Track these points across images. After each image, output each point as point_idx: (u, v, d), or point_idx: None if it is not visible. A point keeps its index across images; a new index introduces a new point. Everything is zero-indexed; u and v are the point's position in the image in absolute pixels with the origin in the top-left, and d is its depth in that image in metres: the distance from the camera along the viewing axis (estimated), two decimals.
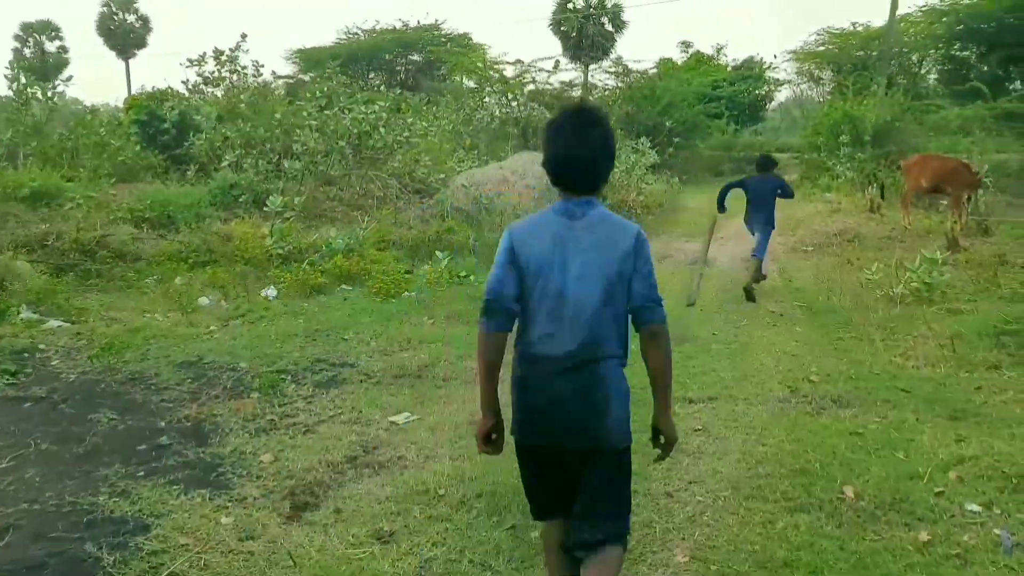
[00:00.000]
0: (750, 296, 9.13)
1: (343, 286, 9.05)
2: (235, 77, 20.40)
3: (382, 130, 13.16)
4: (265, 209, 10.77)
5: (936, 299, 8.62)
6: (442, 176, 13.85)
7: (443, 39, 47.03)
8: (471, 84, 26.02)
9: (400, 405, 5.37)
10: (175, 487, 4.09)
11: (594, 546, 2.48)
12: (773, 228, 9.65)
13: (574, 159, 2.51)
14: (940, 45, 37.53)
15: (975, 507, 3.98)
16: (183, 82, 20.82)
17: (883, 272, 9.81)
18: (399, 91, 45.08)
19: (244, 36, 20.86)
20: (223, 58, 20.00)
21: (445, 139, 21.51)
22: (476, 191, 14.70)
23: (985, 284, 9.25)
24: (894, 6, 27.73)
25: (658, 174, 21.56)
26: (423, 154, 15.72)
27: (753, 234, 9.72)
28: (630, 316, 2.49)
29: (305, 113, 13.74)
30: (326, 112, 13.73)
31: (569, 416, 2.45)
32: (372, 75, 52.81)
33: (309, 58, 47.64)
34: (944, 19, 36.59)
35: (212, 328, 7.36)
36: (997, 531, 3.74)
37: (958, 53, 37.87)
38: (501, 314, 2.52)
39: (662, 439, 2.60)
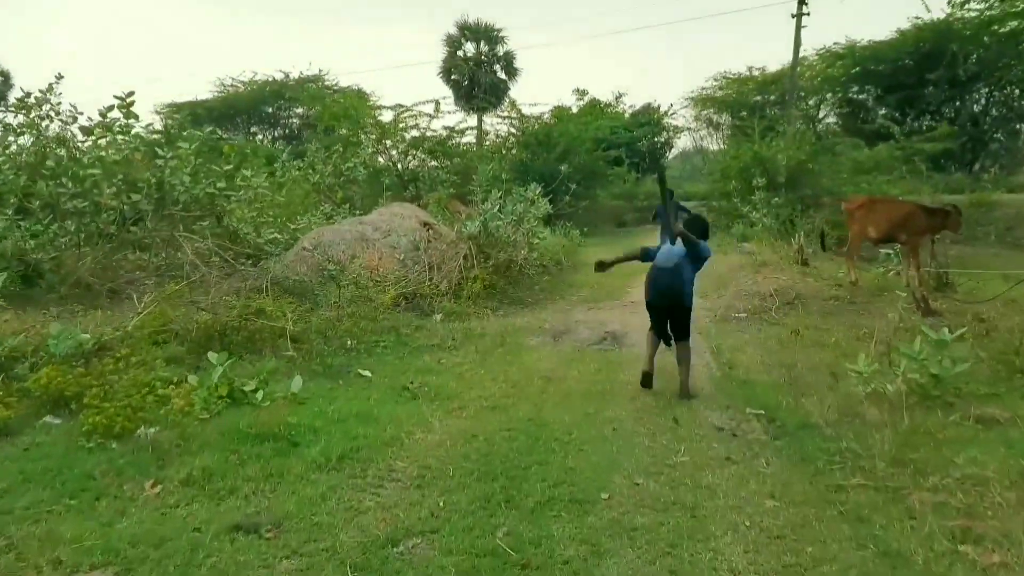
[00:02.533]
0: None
1: (50, 416, 5.67)
2: (46, 124, 16.67)
3: (186, 179, 9.84)
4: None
5: (949, 398, 5.92)
6: (274, 235, 10.62)
7: (330, 91, 43.88)
8: (344, 131, 22.87)
9: None
10: None
11: (678, 339, 6.79)
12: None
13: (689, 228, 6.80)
14: (837, 88, 36.85)
15: None
16: None
17: (848, 345, 7.14)
18: (284, 144, 41.75)
19: (59, 77, 17.12)
20: (30, 102, 16.27)
21: (307, 192, 18.43)
22: (322, 254, 11.53)
23: (1000, 368, 6.64)
24: (797, 44, 26.24)
25: (554, 226, 18.83)
26: (262, 210, 12.50)
27: None
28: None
29: (87, 159, 10.32)
30: (114, 156, 10.35)
31: (665, 287, 6.67)
32: (254, 129, 49.51)
33: (182, 112, 44.05)
34: (840, 62, 35.95)
35: None
36: None
37: (855, 96, 37.27)
38: (647, 255, 6.98)
39: None
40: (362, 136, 21.99)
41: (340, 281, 10.68)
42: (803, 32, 29.82)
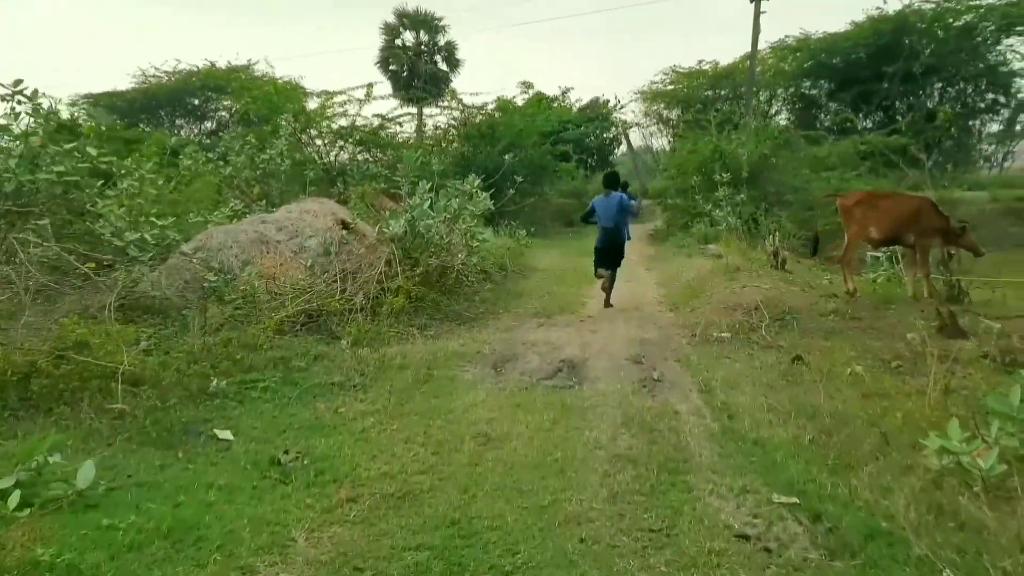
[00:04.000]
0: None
1: None
2: None
3: (12, 163, 7.50)
4: None
5: None
6: (140, 236, 8.30)
7: (260, 80, 40.82)
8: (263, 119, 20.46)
9: None
10: None
11: (613, 268, 10.75)
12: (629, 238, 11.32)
13: (606, 182, 10.67)
14: (790, 83, 35.60)
15: None
16: None
17: (873, 379, 5.27)
18: (205, 138, 38.72)
19: None
20: None
21: (207, 185, 16.11)
22: (210, 260, 9.28)
23: None
24: (756, 31, 24.64)
25: (498, 226, 16.74)
26: (144, 207, 10.23)
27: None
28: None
29: None
30: None
31: (609, 240, 10.52)
32: (179, 122, 46.24)
33: (101, 104, 40.92)
34: (793, 56, 34.74)
35: None
36: None
37: (808, 91, 36.06)
38: (587, 217, 10.97)
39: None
40: (283, 124, 19.56)
41: (224, 295, 8.46)
42: (758, 27, 28.22)
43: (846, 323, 8.59)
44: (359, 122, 21.01)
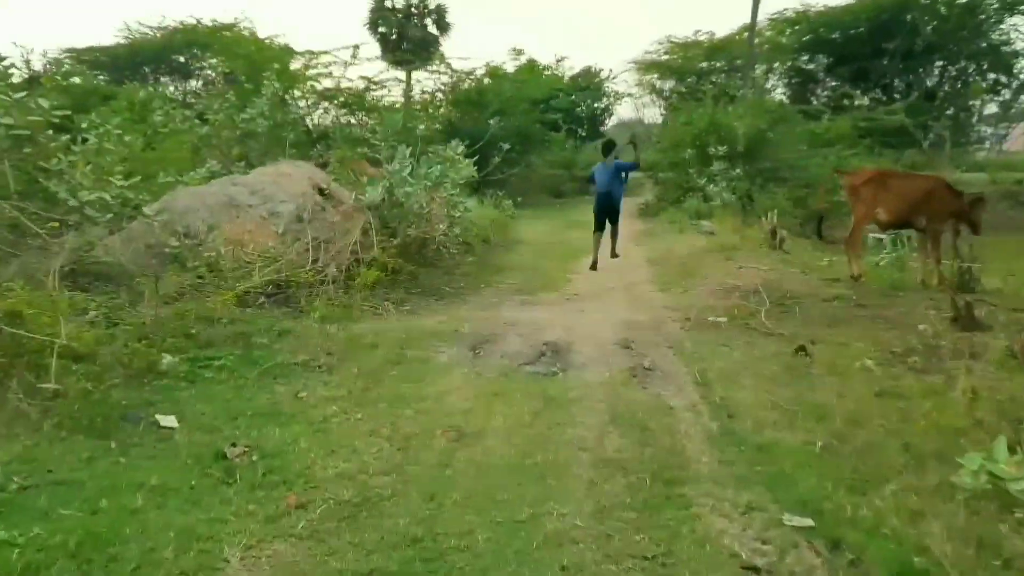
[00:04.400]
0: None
1: None
2: None
3: None
4: None
5: None
6: (97, 196, 7.66)
7: (244, 40, 39.58)
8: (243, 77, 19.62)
9: None
10: None
11: (612, 224, 10.75)
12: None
13: (604, 150, 10.88)
14: (788, 57, 34.87)
15: None
16: None
17: (887, 375, 4.78)
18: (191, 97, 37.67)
19: None
20: None
21: (181, 145, 15.40)
22: (177, 224, 8.66)
23: None
24: (756, 5, 23.89)
25: (483, 196, 16.11)
26: (108, 165, 9.56)
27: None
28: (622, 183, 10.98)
29: None
30: None
31: (604, 203, 10.59)
32: (165, 80, 44.90)
33: (83, 59, 39.68)
34: (791, 29, 33.99)
35: None
36: None
37: (805, 66, 35.36)
38: (590, 181, 11.36)
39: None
40: (266, 83, 18.76)
41: (187, 261, 7.85)
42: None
43: (852, 310, 8.09)
44: (344, 84, 20.29)
